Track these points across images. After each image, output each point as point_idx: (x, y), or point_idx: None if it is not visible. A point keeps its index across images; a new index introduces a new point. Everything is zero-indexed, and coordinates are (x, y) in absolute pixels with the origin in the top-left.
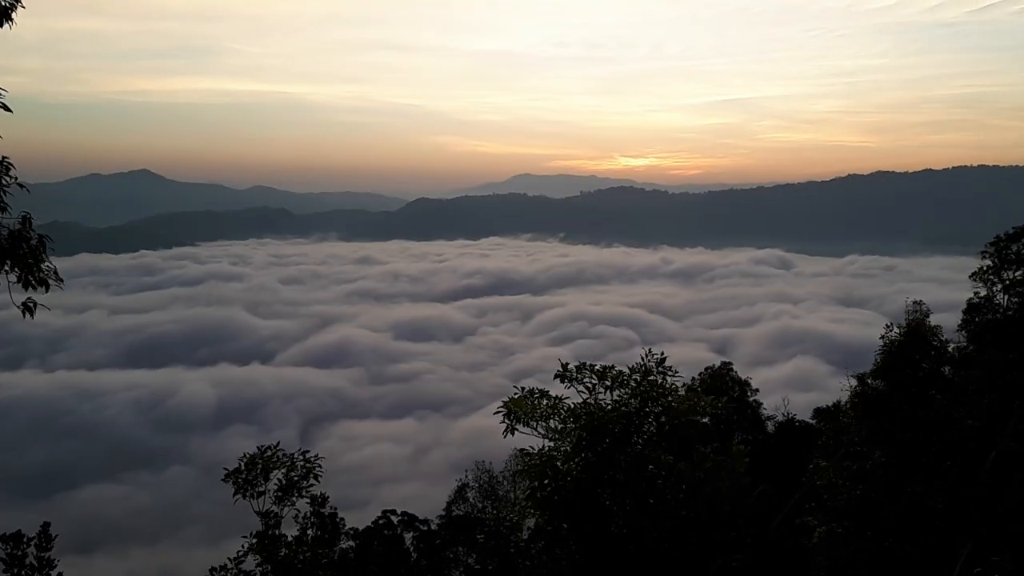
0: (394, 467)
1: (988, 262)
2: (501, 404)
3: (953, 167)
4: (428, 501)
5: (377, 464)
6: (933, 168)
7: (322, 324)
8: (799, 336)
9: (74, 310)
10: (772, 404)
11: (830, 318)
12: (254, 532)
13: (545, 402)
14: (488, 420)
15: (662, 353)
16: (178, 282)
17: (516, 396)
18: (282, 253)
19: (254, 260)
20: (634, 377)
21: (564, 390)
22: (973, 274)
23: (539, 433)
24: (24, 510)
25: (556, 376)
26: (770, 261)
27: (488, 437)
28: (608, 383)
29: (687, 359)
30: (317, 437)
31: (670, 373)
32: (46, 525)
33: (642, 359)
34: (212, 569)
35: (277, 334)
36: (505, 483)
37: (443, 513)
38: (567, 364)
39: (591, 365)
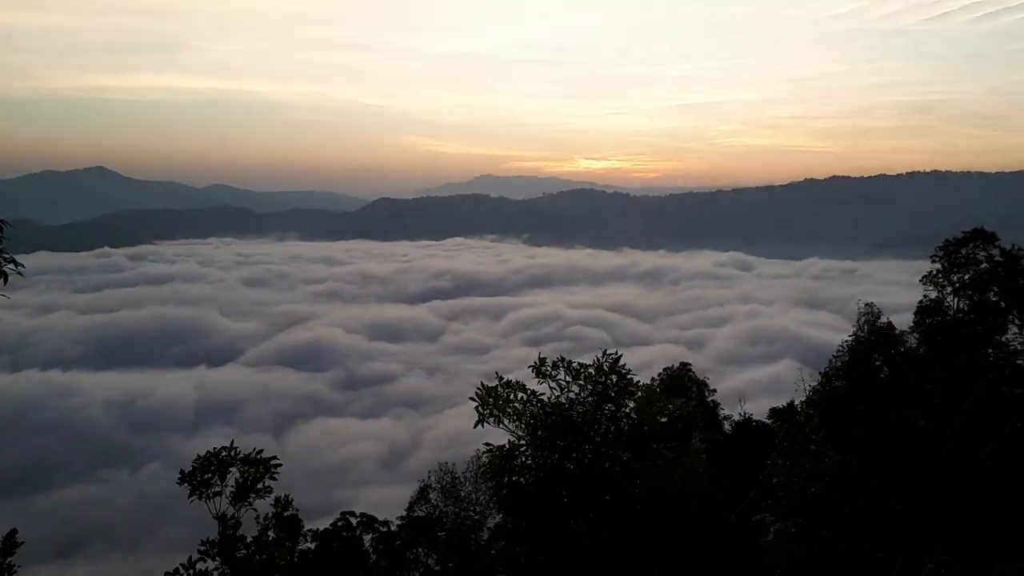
0: (373, 467)
1: (938, 265)
2: (476, 392)
3: (907, 172)
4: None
5: (356, 464)
6: (887, 173)
7: (294, 324)
8: (773, 337)
9: (40, 309)
10: (752, 408)
11: (801, 320)
12: (209, 537)
13: (520, 395)
14: (465, 420)
15: (616, 352)
16: (143, 281)
17: (491, 385)
18: (247, 252)
19: (220, 259)
20: (610, 377)
21: (538, 385)
22: (923, 277)
23: (508, 429)
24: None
25: (531, 367)
26: (732, 264)
27: (465, 437)
28: (581, 381)
29: (662, 360)
30: (294, 437)
31: (630, 375)
32: (12, 532)
33: (597, 359)
34: (167, 574)
35: (249, 334)
36: (467, 484)
37: (404, 514)
38: (544, 358)
39: (568, 361)
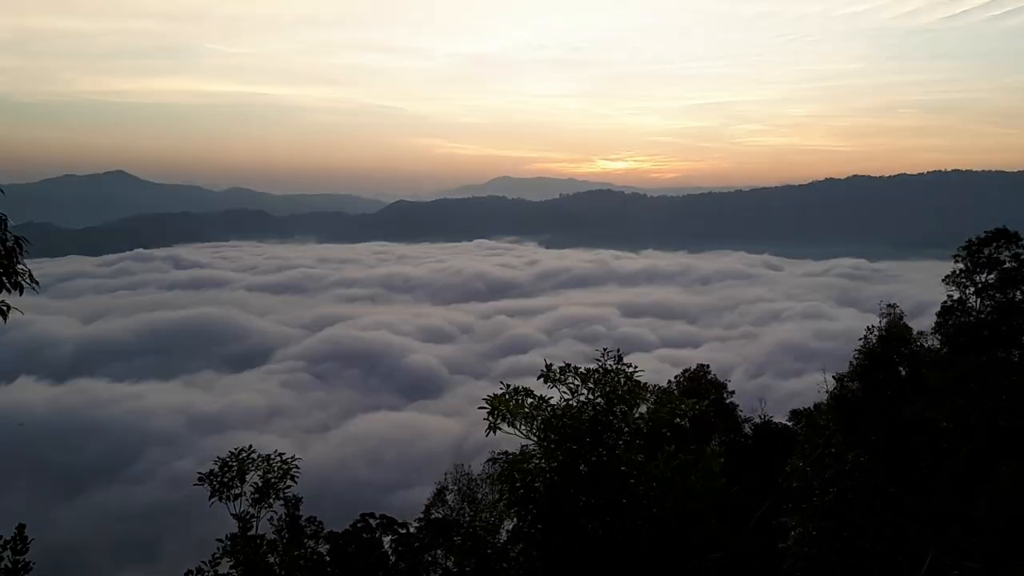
0: (438, 465)
1: (961, 266)
2: (484, 401)
3: (928, 172)
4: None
5: (421, 462)
6: (908, 173)
7: (340, 326)
8: (832, 335)
9: (91, 315)
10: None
11: (854, 319)
12: (229, 535)
13: (530, 401)
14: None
15: (618, 349)
16: (181, 283)
17: (500, 393)
18: (281, 256)
19: (256, 263)
20: (619, 379)
21: (548, 390)
22: (946, 277)
23: (522, 433)
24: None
25: (539, 376)
26: (761, 264)
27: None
28: (591, 385)
29: (712, 359)
30: (353, 436)
31: (639, 375)
32: (21, 527)
33: (616, 362)
34: (189, 572)
35: (297, 336)
36: (484, 485)
37: (422, 516)
38: (551, 364)
39: (575, 367)
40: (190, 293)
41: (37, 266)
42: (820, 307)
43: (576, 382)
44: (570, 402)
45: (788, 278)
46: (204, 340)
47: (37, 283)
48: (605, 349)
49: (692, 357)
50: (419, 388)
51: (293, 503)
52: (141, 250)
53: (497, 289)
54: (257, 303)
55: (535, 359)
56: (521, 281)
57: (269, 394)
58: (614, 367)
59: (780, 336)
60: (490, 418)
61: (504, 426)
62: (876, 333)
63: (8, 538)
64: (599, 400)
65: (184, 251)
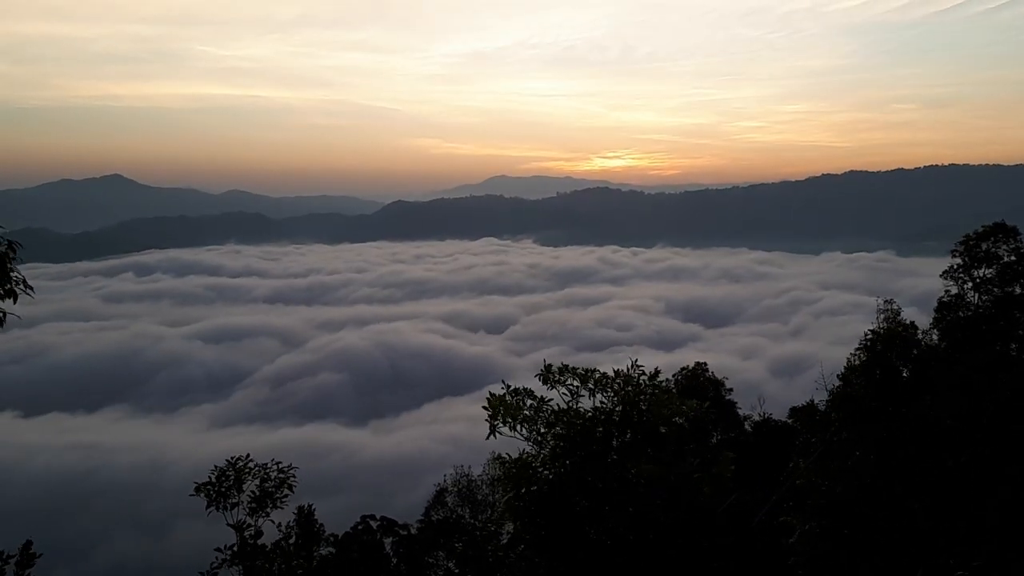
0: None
1: (958, 260)
2: (486, 400)
3: (924, 166)
4: None
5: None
6: (905, 167)
7: (385, 325)
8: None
9: (172, 321)
10: None
11: (917, 313)
12: (228, 544)
13: (530, 402)
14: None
15: (656, 369)
16: (219, 290)
17: (500, 394)
18: (299, 258)
19: (284, 267)
20: (617, 382)
21: (547, 391)
22: (944, 272)
23: (521, 436)
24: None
25: (537, 376)
26: (773, 259)
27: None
28: (591, 386)
29: (794, 353)
30: (424, 428)
31: (657, 381)
32: (27, 544)
33: (627, 368)
34: None
35: (336, 337)
36: (484, 487)
37: (422, 518)
38: (550, 365)
39: (574, 367)
40: (229, 299)
41: (70, 269)
42: (878, 301)
43: (576, 383)
44: (571, 404)
45: (817, 273)
46: (263, 342)
47: (31, 288)
48: (632, 359)
49: (767, 348)
50: (479, 382)
51: (305, 512)
52: (156, 250)
53: (527, 287)
54: (299, 307)
55: (613, 357)
56: (548, 279)
57: (332, 392)
58: (636, 375)
59: (857, 329)
60: (491, 420)
61: (505, 429)
62: (875, 329)
63: (12, 552)
64: (618, 408)
65: (208, 255)
